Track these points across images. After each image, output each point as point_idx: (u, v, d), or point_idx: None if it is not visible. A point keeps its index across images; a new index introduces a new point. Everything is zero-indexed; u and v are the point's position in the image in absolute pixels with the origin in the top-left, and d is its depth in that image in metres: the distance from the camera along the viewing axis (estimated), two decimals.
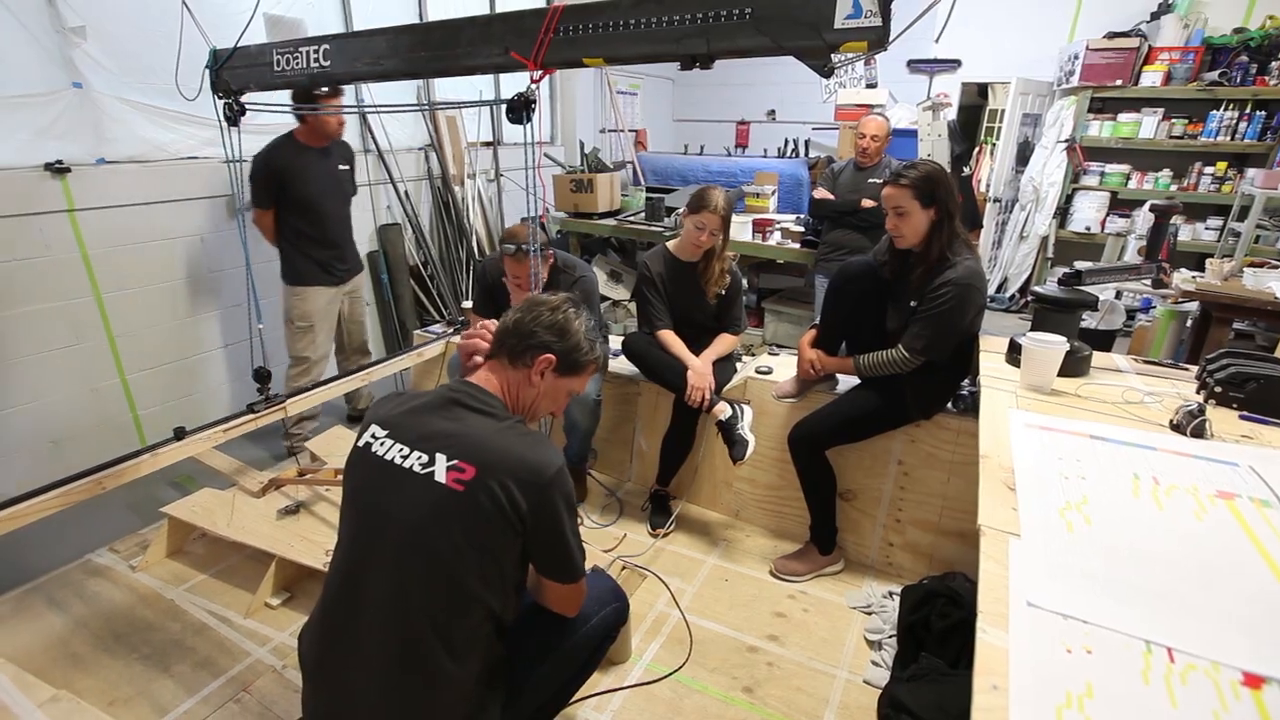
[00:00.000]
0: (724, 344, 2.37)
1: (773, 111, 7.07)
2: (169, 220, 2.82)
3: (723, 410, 2.18)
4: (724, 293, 2.35)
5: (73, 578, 2.12)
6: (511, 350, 1.21)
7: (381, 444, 1.13)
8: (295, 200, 2.68)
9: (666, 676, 1.78)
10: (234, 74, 1.99)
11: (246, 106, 2.05)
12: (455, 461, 1.07)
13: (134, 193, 2.69)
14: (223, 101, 2.06)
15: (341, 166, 2.87)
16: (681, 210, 2.25)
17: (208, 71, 2.03)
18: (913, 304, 1.90)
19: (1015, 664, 0.82)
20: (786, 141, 5.94)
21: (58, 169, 2.43)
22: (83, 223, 2.55)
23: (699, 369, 2.22)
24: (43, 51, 2.38)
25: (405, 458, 1.09)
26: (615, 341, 2.75)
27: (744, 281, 2.45)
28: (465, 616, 1.07)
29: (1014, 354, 1.87)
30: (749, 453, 2.15)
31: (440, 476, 1.06)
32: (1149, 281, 1.99)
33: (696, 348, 2.32)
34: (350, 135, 3.70)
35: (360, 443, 1.16)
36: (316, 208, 2.73)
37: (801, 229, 3.84)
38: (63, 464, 2.48)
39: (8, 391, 2.43)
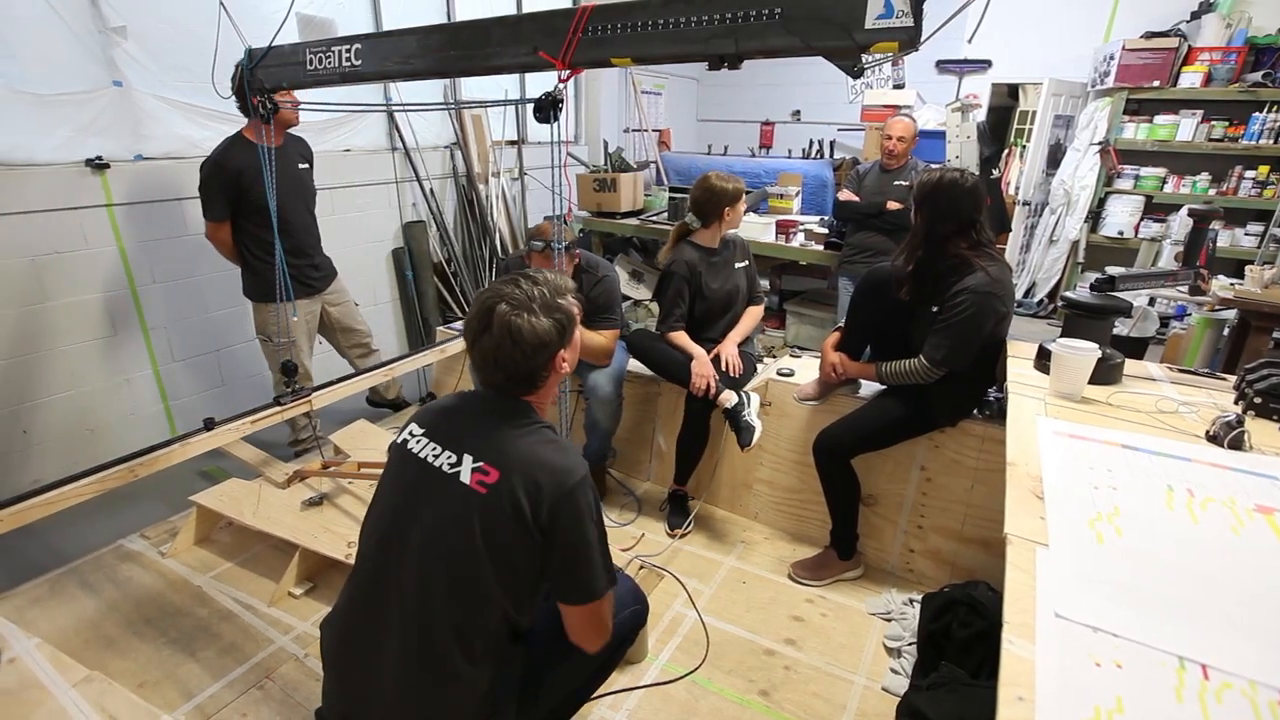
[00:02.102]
0: (751, 318, 2.49)
1: (798, 112, 7.01)
2: (200, 216, 2.88)
3: (729, 398, 2.21)
4: (746, 260, 2.49)
5: (105, 562, 2.18)
6: (529, 389, 1.17)
7: (417, 441, 1.15)
8: (255, 207, 2.38)
9: (683, 677, 1.77)
10: (268, 73, 2.03)
11: (279, 105, 2.08)
12: (481, 464, 1.08)
13: (169, 188, 2.76)
14: (256, 99, 2.10)
15: (301, 165, 2.63)
16: (726, 208, 2.35)
17: (236, 70, 2.08)
18: (934, 309, 1.88)
19: (1042, 676, 0.81)
20: (811, 142, 5.88)
21: (97, 165, 2.51)
22: (120, 217, 2.62)
23: (702, 358, 2.26)
24: (85, 51, 2.45)
25: (436, 457, 1.11)
26: None
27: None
28: (482, 618, 1.08)
29: (1043, 360, 1.83)
30: (756, 438, 2.17)
31: (465, 477, 1.08)
32: (1186, 288, 1.94)
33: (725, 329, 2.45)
34: (378, 133, 3.75)
35: (399, 439, 1.19)
36: (280, 213, 2.31)
37: (825, 231, 3.81)
38: (98, 451, 2.56)
39: (48, 380, 2.50)
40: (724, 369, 2.29)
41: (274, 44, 1.98)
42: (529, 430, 1.13)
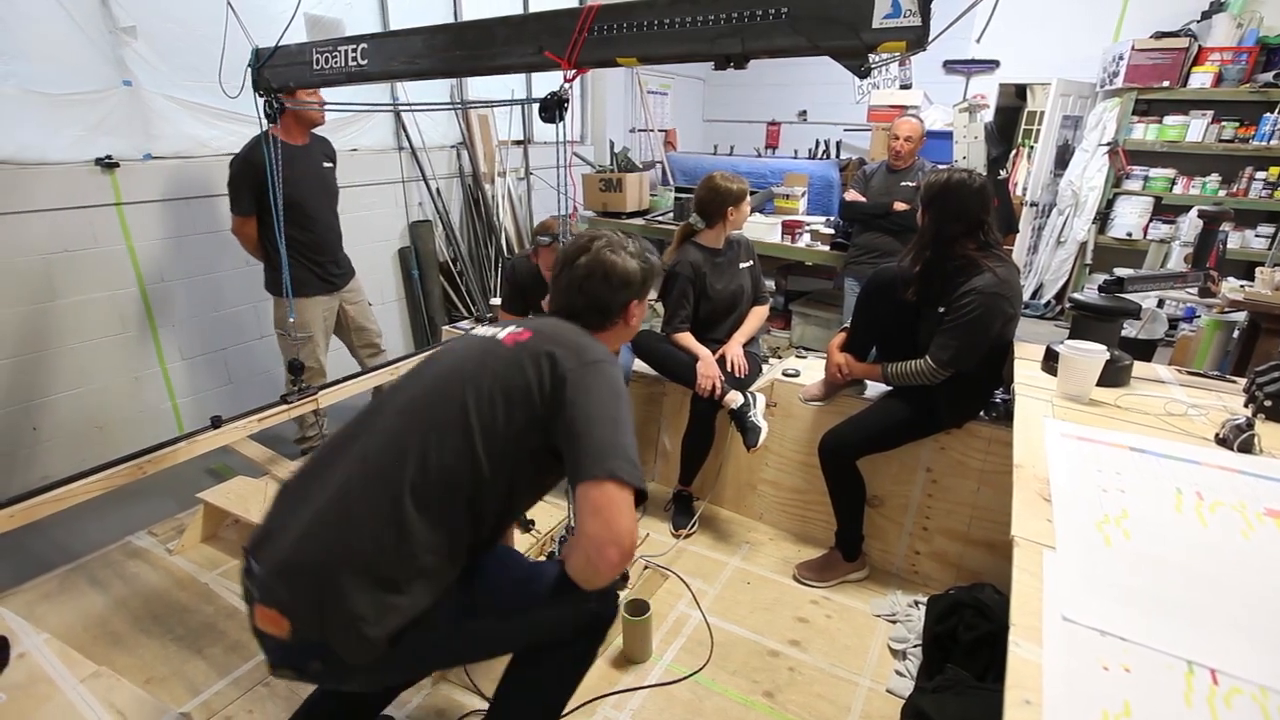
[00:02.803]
0: (755, 319, 2.48)
1: (804, 112, 7.00)
2: (211, 214, 2.90)
3: (734, 399, 2.21)
4: (751, 261, 2.48)
5: (113, 558, 2.19)
6: (599, 324, 1.26)
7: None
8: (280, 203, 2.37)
9: (687, 678, 1.77)
10: (275, 72, 2.04)
11: (286, 105, 2.09)
12: (520, 329, 1.16)
13: (178, 187, 2.78)
14: (263, 99, 2.12)
15: (325, 164, 2.66)
16: (730, 208, 2.35)
17: (250, 70, 2.09)
18: (940, 310, 1.87)
19: (1049, 679, 0.80)
20: (817, 143, 5.87)
21: (107, 164, 2.52)
22: (129, 216, 2.64)
23: (707, 359, 2.26)
24: (96, 51, 2.46)
25: (486, 331, 1.21)
26: None
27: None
28: (447, 488, 1.03)
29: (1050, 362, 1.82)
30: (762, 439, 2.16)
31: (501, 335, 1.16)
32: (1195, 290, 1.93)
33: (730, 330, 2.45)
34: (385, 133, 3.77)
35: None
36: (303, 210, 2.47)
37: (831, 231, 3.80)
38: (106, 448, 2.57)
39: (57, 377, 2.52)
40: (729, 369, 2.29)
41: (281, 44, 1.99)
42: (583, 334, 1.18)
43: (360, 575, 0.99)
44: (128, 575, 2.12)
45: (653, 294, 4.67)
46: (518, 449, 1.08)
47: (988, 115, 5.04)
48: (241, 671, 1.75)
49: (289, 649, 1.04)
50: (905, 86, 5.70)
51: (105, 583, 2.08)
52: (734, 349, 2.34)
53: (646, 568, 2.07)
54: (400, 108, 3.61)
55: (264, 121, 2.14)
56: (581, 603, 1.14)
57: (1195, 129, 4.38)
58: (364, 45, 1.80)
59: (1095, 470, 1.28)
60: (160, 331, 2.83)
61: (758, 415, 2.19)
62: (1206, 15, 4.35)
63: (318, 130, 2.63)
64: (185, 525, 2.31)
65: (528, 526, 2.08)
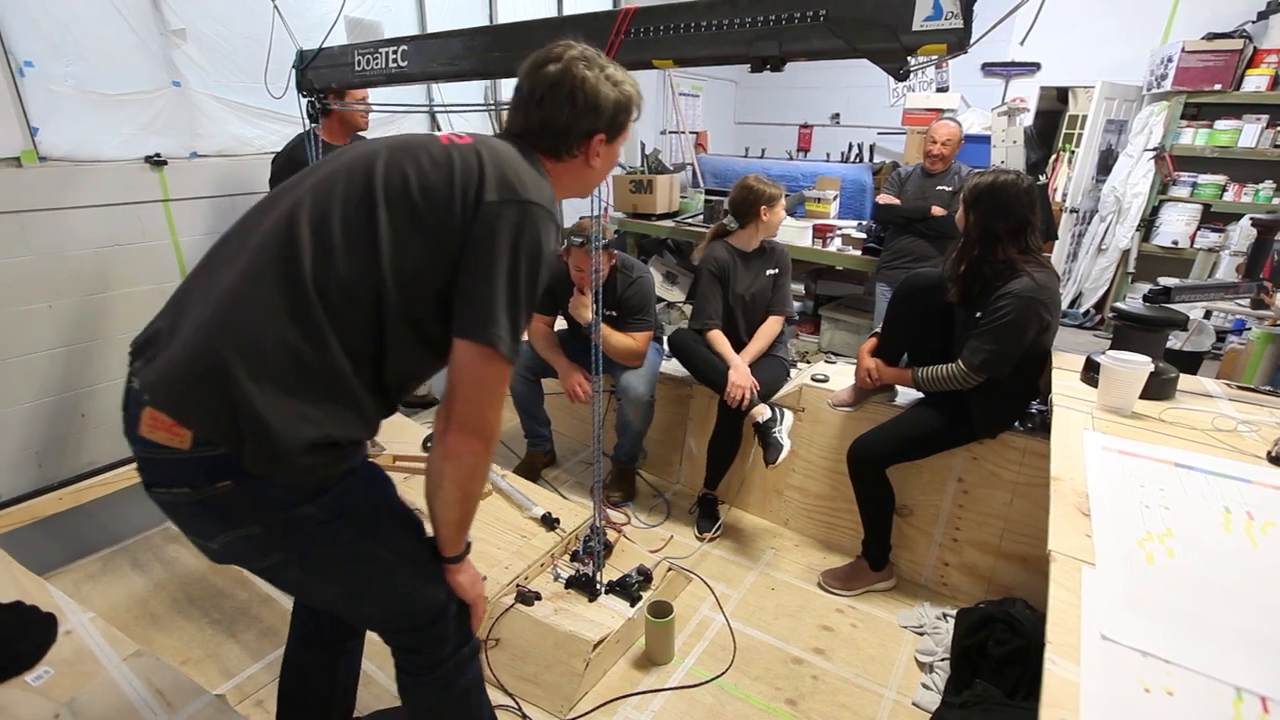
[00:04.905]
0: (764, 335, 2.40)
1: (837, 115, 6.92)
2: None
3: (762, 412, 2.18)
4: (778, 269, 2.42)
5: (154, 542, 2.27)
6: (552, 150, 1.06)
7: None
8: None
9: (708, 681, 1.76)
10: (318, 73, 2.09)
11: (328, 106, 2.14)
12: (463, 135, 1.01)
13: (221, 185, 2.86)
14: (306, 99, 2.17)
15: None
16: (762, 207, 2.35)
17: (294, 71, 2.14)
18: (976, 315, 1.83)
19: (1087, 700, 0.78)
20: (851, 146, 5.79)
21: (156, 161, 2.61)
22: (175, 212, 2.73)
23: (741, 369, 2.23)
24: (148, 53, 2.55)
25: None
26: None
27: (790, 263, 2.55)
28: (350, 301, 0.90)
29: (1091, 373, 1.77)
30: (783, 457, 2.13)
31: (438, 133, 1.01)
32: (1247, 302, 1.86)
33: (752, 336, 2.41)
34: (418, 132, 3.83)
35: None
36: None
37: (863, 236, 3.75)
38: None
39: (106, 366, 2.62)
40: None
41: (324, 45, 2.04)
42: (530, 163, 1.01)
43: (265, 378, 0.86)
44: (167, 559, 2.19)
45: (681, 296, 4.62)
46: (425, 275, 0.94)
47: (1027, 119, 4.92)
48: (274, 656, 1.80)
49: (187, 464, 0.89)
50: (942, 89, 5.59)
51: (146, 565, 2.16)
52: (744, 370, 2.25)
53: (670, 569, 2.07)
54: (436, 109, 3.66)
55: (307, 121, 2.20)
56: (439, 581, 1.07)
57: (1249, 134, 4.22)
58: (404, 47, 1.84)
59: (1137, 486, 1.24)
60: None
61: (782, 432, 2.16)
62: (1263, 15, 4.19)
63: (361, 134, 2.68)
64: None
65: (553, 525, 2.09)
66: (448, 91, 3.76)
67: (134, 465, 0.97)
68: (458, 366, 0.94)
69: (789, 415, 2.21)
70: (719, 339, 2.34)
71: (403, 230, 0.92)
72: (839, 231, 3.90)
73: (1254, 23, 4.21)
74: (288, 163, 2.51)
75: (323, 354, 0.89)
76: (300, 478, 0.91)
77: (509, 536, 2.04)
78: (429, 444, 2.20)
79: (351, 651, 1.33)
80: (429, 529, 1.07)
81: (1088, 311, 4.84)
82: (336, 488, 0.95)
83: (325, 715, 1.31)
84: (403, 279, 0.92)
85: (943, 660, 1.79)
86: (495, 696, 1.68)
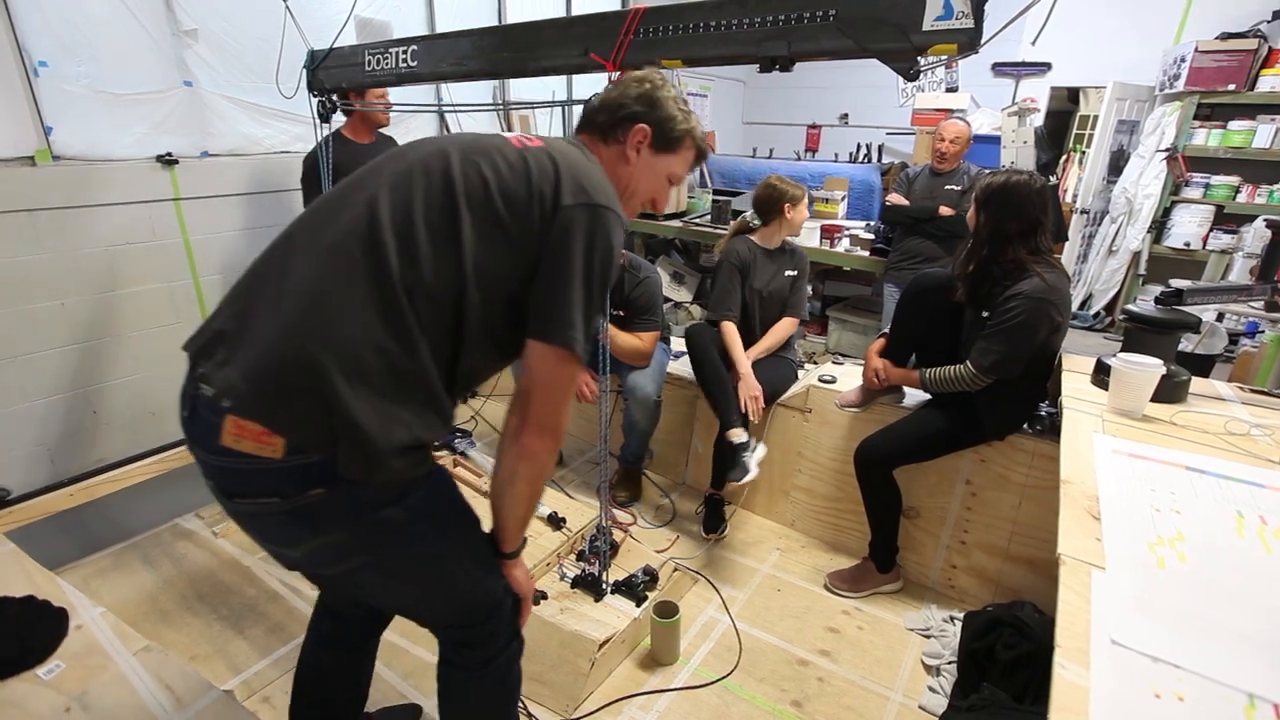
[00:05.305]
0: (776, 333, 2.44)
1: (845, 116, 6.89)
2: (261, 210, 3.00)
3: (739, 435, 2.20)
4: (797, 271, 2.45)
5: (163, 538, 2.28)
6: (602, 127, 1.11)
7: None
8: None
9: (714, 682, 1.76)
10: (328, 73, 2.10)
11: (338, 105, 2.16)
12: (529, 136, 1.02)
13: (231, 184, 2.88)
14: (317, 99, 2.19)
15: None
16: (786, 205, 2.39)
17: (304, 71, 2.16)
18: (984, 315, 1.82)
19: (1097, 705, 0.77)
20: (859, 146, 5.78)
21: (167, 160, 2.63)
22: (186, 211, 2.75)
23: (748, 380, 2.25)
24: (160, 53, 2.57)
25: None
26: (676, 344, 2.75)
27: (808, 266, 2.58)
28: (431, 299, 0.90)
29: (1101, 375, 1.76)
30: (744, 481, 2.15)
31: (508, 135, 1.02)
32: (1260, 304, 1.84)
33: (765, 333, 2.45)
34: (428, 133, 3.84)
35: None
36: None
37: (871, 236, 3.74)
38: (160, 432, 2.68)
39: (116, 364, 2.64)
40: (741, 409, 2.23)
41: (334, 45, 2.05)
42: (594, 163, 1.04)
43: (359, 382, 0.85)
44: (176, 555, 2.21)
45: (689, 296, 4.62)
46: (504, 276, 0.94)
47: (1037, 119, 4.89)
48: (281, 653, 1.81)
49: (279, 473, 0.86)
50: (951, 89, 5.57)
51: (155, 561, 2.17)
52: (752, 379, 2.26)
53: (676, 570, 2.07)
54: (445, 108, 3.67)
55: (317, 120, 2.21)
56: (498, 576, 1.08)
57: (1263, 134, 4.18)
58: (414, 47, 1.84)
59: (1148, 489, 1.23)
60: None
61: (752, 460, 2.18)
62: (1278, 15, 4.14)
63: (383, 130, 2.79)
64: None
65: (559, 524, 2.09)
66: (456, 91, 3.77)
67: (145, 461, 0.96)
68: (535, 368, 0.95)
69: (763, 447, 2.24)
70: (731, 333, 2.35)
71: (485, 235, 0.92)
72: (847, 232, 3.89)
73: (1269, 22, 4.17)
74: (316, 163, 2.56)
75: (412, 356, 0.89)
76: (392, 481, 0.91)
77: None
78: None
79: (371, 651, 1.35)
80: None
81: (1098, 313, 4.80)
82: (418, 489, 0.95)
83: (345, 714, 1.33)
84: (483, 283, 0.92)
85: (950, 663, 1.79)
86: None
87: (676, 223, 4.61)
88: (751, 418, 2.22)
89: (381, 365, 0.87)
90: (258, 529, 0.98)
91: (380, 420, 0.86)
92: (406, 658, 1.78)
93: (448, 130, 3.87)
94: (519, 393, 0.97)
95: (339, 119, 2.62)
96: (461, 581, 1.05)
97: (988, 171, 1.87)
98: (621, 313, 2.41)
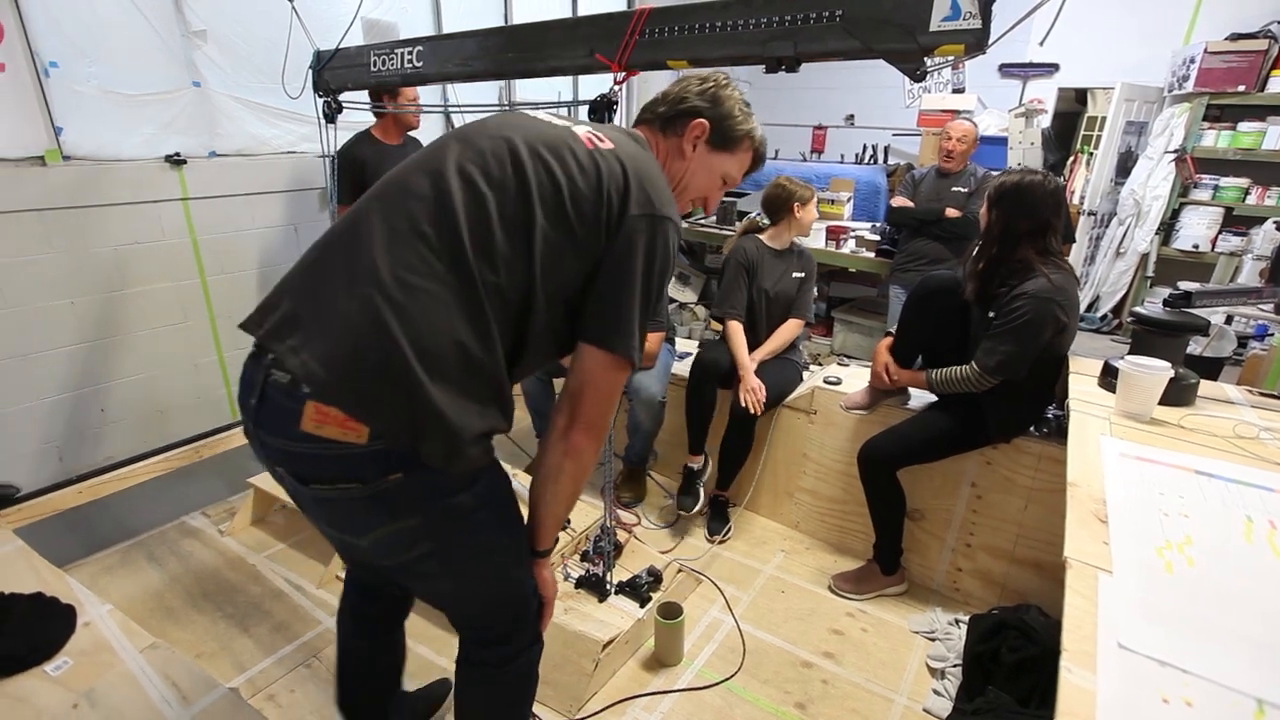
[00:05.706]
0: (782, 335, 2.45)
1: (851, 117, 6.87)
2: (267, 210, 3.01)
3: (696, 461, 2.29)
4: (804, 273, 2.46)
5: (170, 537, 2.30)
6: (664, 118, 1.13)
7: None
8: None
9: (718, 684, 1.76)
10: (334, 74, 2.11)
11: (344, 105, 2.17)
12: (598, 132, 1.00)
13: (238, 184, 2.90)
14: (323, 99, 2.20)
15: None
16: (795, 204, 2.40)
17: (310, 71, 2.17)
18: (990, 315, 1.81)
19: (1103, 709, 0.77)
20: (865, 147, 5.76)
21: (175, 160, 2.65)
22: (194, 210, 2.77)
23: (749, 377, 2.27)
24: (169, 54, 2.59)
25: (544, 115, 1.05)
26: (680, 344, 2.75)
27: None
28: (516, 278, 0.91)
29: (1109, 378, 1.75)
30: (694, 510, 2.29)
31: (578, 129, 0.99)
32: (1270, 307, 1.82)
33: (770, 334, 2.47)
34: (435, 133, 3.85)
35: None
36: None
37: (877, 238, 3.72)
38: (166, 431, 2.69)
39: (123, 362, 2.66)
40: (744, 405, 2.24)
41: (341, 46, 2.06)
42: (658, 168, 1.05)
43: (437, 372, 0.86)
44: (182, 553, 2.22)
45: (694, 297, 4.61)
46: (568, 278, 0.95)
47: (1045, 120, 4.87)
48: (285, 651, 1.81)
49: (361, 459, 0.85)
50: (958, 90, 5.54)
51: (162, 559, 2.18)
52: (754, 380, 2.27)
53: (680, 571, 2.06)
54: (450, 109, 3.68)
55: (323, 121, 2.22)
56: (529, 574, 1.09)
57: (1273, 136, 4.15)
58: (420, 48, 1.85)
59: (1156, 493, 1.22)
60: (218, 322, 2.95)
61: (701, 487, 2.31)
62: None
63: (411, 132, 2.88)
64: (236, 508, 2.40)
65: (563, 525, 2.09)
66: (462, 91, 3.78)
67: (152, 460, 0.97)
68: (589, 372, 0.96)
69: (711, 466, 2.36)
70: (736, 332, 2.35)
71: (555, 240, 0.92)
72: (852, 233, 3.87)
73: (1279, 23, 4.14)
74: (344, 161, 2.65)
75: (487, 350, 0.90)
76: (467, 469, 0.91)
77: None
78: None
79: (403, 629, 1.42)
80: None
81: (1105, 315, 4.77)
82: (484, 476, 0.96)
83: (390, 688, 1.43)
84: (549, 285, 0.93)
85: (955, 666, 1.78)
86: None
87: (682, 224, 4.60)
88: (752, 410, 2.22)
89: (458, 356, 0.87)
90: (330, 516, 0.97)
91: (458, 409, 0.87)
92: (409, 657, 1.78)
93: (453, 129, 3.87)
94: (569, 393, 0.98)
95: (354, 120, 2.64)
96: (506, 576, 1.07)
97: (1002, 172, 1.87)
98: None
